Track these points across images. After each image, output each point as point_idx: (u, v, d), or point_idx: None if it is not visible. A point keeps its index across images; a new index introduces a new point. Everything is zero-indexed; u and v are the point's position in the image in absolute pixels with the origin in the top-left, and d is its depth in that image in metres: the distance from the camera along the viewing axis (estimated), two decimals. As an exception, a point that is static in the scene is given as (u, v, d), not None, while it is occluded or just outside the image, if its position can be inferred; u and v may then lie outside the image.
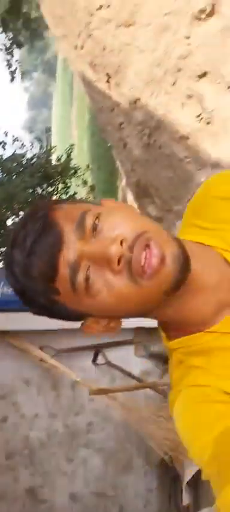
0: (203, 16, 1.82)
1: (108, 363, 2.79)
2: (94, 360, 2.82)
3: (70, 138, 20.22)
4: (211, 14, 1.79)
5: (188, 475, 2.29)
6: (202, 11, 1.82)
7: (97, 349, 2.81)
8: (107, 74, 3.02)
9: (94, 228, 0.64)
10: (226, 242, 0.72)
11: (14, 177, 6.88)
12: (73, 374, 2.62)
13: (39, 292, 0.66)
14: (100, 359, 2.82)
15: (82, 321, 0.72)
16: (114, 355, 2.80)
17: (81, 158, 15.49)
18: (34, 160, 7.22)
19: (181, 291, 0.64)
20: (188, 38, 1.94)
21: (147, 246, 0.61)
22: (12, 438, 2.85)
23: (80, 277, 0.63)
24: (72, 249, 0.63)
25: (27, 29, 10.89)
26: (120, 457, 2.92)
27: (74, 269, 0.63)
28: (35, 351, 2.66)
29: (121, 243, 0.61)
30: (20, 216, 0.73)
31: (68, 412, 2.88)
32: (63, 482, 2.93)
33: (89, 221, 0.64)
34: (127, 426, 2.82)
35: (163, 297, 0.64)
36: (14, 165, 6.96)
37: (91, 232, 0.64)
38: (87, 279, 0.63)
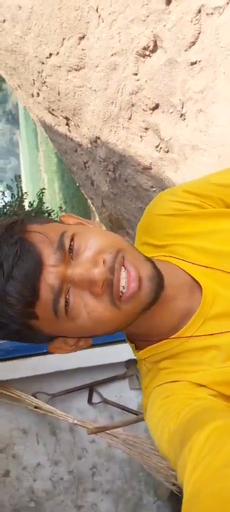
0: (147, 52, 1.90)
1: (104, 401, 2.76)
2: (89, 400, 2.79)
3: (41, 182, 20.33)
4: (154, 49, 1.87)
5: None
6: (145, 48, 1.90)
7: (91, 388, 2.79)
8: (65, 117, 3.08)
9: (71, 250, 0.64)
10: (179, 255, 0.76)
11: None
12: (70, 417, 2.59)
13: (14, 318, 0.63)
14: (95, 398, 2.79)
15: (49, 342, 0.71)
16: (109, 391, 2.78)
17: (54, 201, 15.57)
18: (7, 208, 7.23)
19: None
20: (136, 74, 2.02)
21: (123, 266, 0.63)
22: (17, 492, 2.77)
23: (62, 301, 0.63)
24: (53, 273, 0.62)
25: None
26: (129, 496, 2.86)
27: (57, 294, 0.62)
28: (28, 399, 2.61)
29: (104, 263, 0.62)
30: None
31: (70, 457, 2.82)
32: (75, 530, 2.85)
33: (67, 243, 0.64)
34: (132, 463, 2.78)
35: (137, 316, 0.67)
36: (-13, 216, 6.95)
37: (69, 253, 0.64)
38: (66, 302, 0.63)
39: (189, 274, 0.73)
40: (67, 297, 0.63)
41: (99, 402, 2.78)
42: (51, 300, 0.62)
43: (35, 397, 2.65)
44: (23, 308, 0.62)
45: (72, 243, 0.64)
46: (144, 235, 0.81)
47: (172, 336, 0.72)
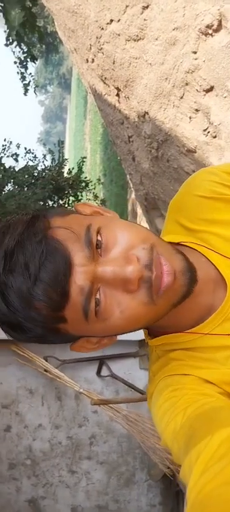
0: (210, 31, 1.83)
1: (112, 375, 2.77)
2: (98, 372, 2.81)
3: (83, 151, 20.43)
4: (217, 29, 1.80)
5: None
6: (209, 26, 1.83)
7: (101, 361, 2.81)
8: (117, 88, 3.04)
9: (99, 245, 0.60)
10: (208, 244, 0.72)
11: (26, 189, 6.95)
12: (76, 385, 2.62)
13: (40, 322, 0.59)
14: (104, 371, 2.81)
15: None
16: (119, 367, 2.79)
17: (93, 171, 15.64)
18: (46, 172, 7.29)
19: None
20: (195, 52, 1.95)
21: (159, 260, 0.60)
22: (15, 448, 2.85)
23: (93, 303, 0.59)
24: (83, 273, 0.58)
25: (42, 43, 11.09)
26: (122, 470, 2.89)
27: (88, 295, 0.58)
28: (39, 361, 2.66)
29: (138, 260, 0.58)
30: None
31: (72, 424, 2.87)
32: (65, 494, 2.91)
33: (94, 237, 0.59)
34: (131, 440, 2.80)
35: (170, 310, 0.64)
36: (26, 177, 7.04)
37: (96, 249, 0.60)
38: (97, 303, 0.59)
39: (216, 268, 0.70)
40: (98, 296, 0.59)
41: (107, 376, 2.80)
42: (82, 303, 0.58)
43: (46, 361, 2.70)
44: (51, 312, 0.58)
45: (98, 237, 0.60)
46: (177, 213, 0.77)
47: (188, 331, 0.70)
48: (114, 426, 2.81)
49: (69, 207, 7.25)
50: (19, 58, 9.83)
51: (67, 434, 2.88)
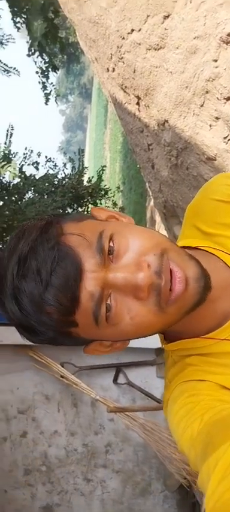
0: (231, 39, 1.82)
1: (129, 383, 2.76)
2: (115, 379, 2.80)
3: (103, 160, 20.57)
4: (239, 37, 1.79)
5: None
6: (229, 34, 1.82)
7: (118, 369, 2.80)
8: (137, 96, 3.06)
9: (110, 251, 0.60)
10: (226, 248, 0.71)
11: (46, 196, 7.03)
12: (93, 392, 2.62)
13: (51, 326, 0.60)
14: (121, 378, 2.80)
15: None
16: (136, 375, 2.78)
17: (113, 180, 15.72)
18: (66, 180, 7.36)
19: None
20: (216, 61, 1.95)
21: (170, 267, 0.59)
22: (31, 454, 2.86)
23: (103, 308, 0.60)
24: (94, 279, 0.59)
25: (63, 53, 11.26)
26: (138, 480, 2.87)
27: (98, 301, 0.59)
28: (56, 367, 2.67)
29: (148, 267, 0.59)
30: (13, 239, 0.63)
31: (87, 431, 2.86)
32: (80, 502, 2.90)
33: (106, 244, 0.60)
34: (147, 448, 2.77)
35: (183, 317, 0.63)
36: (46, 185, 7.12)
37: (108, 255, 0.60)
38: (108, 308, 0.60)
39: None
40: (109, 302, 0.60)
41: (124, 383, 2.79)
42: (92, 308, 0.59)
43: (63, 367, 2.71)
44: (61, 317, 0.59)
45: (111, 244, 0.60)
46: (195, 217, 0.76)
47: (205, 336, 0.69)
48: (130, 435, 2.79)
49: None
50: (41, 68, 10.00)
51: (83, 442, 2.88)
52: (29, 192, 7.15)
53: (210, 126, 2.11)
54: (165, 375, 0.77)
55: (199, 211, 0.76)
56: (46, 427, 2.85)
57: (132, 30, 2.75)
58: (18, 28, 9.23)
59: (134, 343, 2.56)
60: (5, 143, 7.28)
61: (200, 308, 0.66)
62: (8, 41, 9.62)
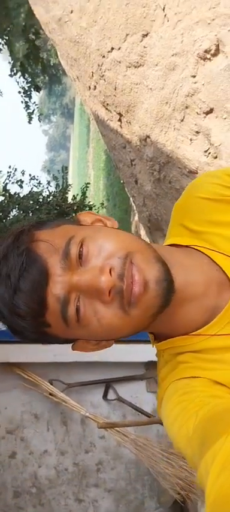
0: (208, 56, 1.88)
1: (119, 399, 2.74)
2: (104, 396, 2.78)
3: (87, 178, 20.69)
4: (215, 54, 1.85)
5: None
6: (207, 51, 1.88)
7: (108, 384, 2.78)
8: (119, 113, 3.11)
9: (80, 256, 0.63)
10: (213, 245, 0.72)
11: (31, 214, 7.02)
12: (82, 409, 2.59)
13: (26, 327, 0.64)
14: (111, 394, 2.78)
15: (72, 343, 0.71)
16: (126, 390, 2.76)
17: (97, 197, 15.80)
18: (50, 198, 7.38)
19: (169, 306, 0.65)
20: (194, 76, 2.00)
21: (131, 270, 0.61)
22: (20, 476, 2.80)
23: (71, 309, 0.62)
24: (59, 282, 0.62)
25: (45, 73, 11.38)
26: (131, 498, 2.83)
27: (64, 303, 0.62)
28: (44, 385, 2.64)
29: (110, 271, 0.61)
30: None
31: (78, 449, 2.82)
32: (72, 523, 2.85)
33: (74, 250, 0.63)
34: (139, 465, 2.74)
35: (151, 319, 0.65)
36: (31, 202, 7.12)
37: (77, 260, 0.63)
38: (77, 310, 0.62)
39: (221, 269, 0.70)
40: (78, 304, 0.62)
41: (114, 399, 2.77)
42: (59, 310, 0.62)
43: (51, 384, 2.67)
44: (33, 319, 0.63)
45: (81, 248, 0.63)
46: (181, 216, 0.78)
47: (195, 333, 0.70)
48: (122, 452, 2.76)
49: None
50: (23, 88, 10.07)
51: (74, 461, 2.83)
52: (14, 210, 7.14)
53: (191, 140, 2.15)
54: (157, 374, 0.77)
55: (185, 209, 0.77)
56: (35, 446, 2.80)
57: (112, 48, 2.80)
58: (0, 49, 9.30)
59: (123, 358, 2.55)
60: (-11, 162, 7.28)
61: (186, 306, 0.67)
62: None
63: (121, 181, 4.02)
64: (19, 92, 10.42)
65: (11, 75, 9.98)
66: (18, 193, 7.39)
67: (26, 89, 9.95)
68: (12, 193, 7.24)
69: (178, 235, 0.76)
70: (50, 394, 2.63)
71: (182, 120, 2.19)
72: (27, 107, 10.17)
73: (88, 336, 0.67)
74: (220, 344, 0.69)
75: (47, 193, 7.59)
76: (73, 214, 7.14)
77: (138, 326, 0.65)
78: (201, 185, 0.77)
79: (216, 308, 0.70)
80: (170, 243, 0.76)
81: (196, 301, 0.68)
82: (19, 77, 9.63)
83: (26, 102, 10.19)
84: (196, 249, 0.72)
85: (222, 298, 0.70)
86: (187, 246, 0.73)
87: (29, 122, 10.46)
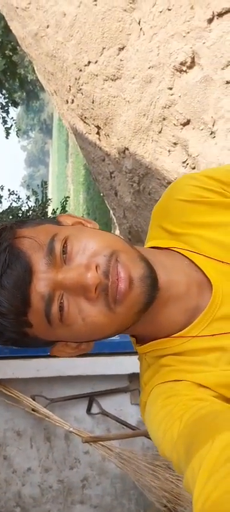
0: (184, 68, 1.91)
1: (103, 412, 2.71)
2: (88, 410, 2.75)
3: (66, 192, 20.69)
4: (191, 66, 1.88)
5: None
6: (182, 63, 1.91)
7: (91, 398, 2.75)
8: (97, 126, 3.12)
9: (64, 253, 0.62)
10: (192, 247, 0.72)
11: (10, 229, 6.95)
12: (66, 424, 2.55)
13: (9, 327, 0.62)
14: (94, 408, 2.75)
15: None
16: (110, 403, 2.73)
17: (77, 211, 15.81)
18: (30, 213, 7.33)
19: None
20: (171, 88, 2.03)
21: (117, 268, 0.61)
22: (4, 495, 2.72)
23: (54, 308, 0.61)
24: (43, 280, 0.60)
25: (23, 89, 11.38)
26: (117, 513, 2.79)
27: (49, 302, 0.61)
28: (27, 400, 2.59)
29: (96, 268, 0.60)
30: None
31: (62, 466, 2.77)
32: None
33: (58, 247, 0.62)
34: (125, 480, 2.71)
35: (136, 317, 0.64)
36: (10, 217, 7.06)
37: (62, 257, 0.62)
38: (61, 307, 0.61)
39: (201, 270, 0.71)
40: (62, 301, 0.61)
41: (98, 413, 2.74)
42: (43, 308, 0.61)
43: (34, 400, 2.62)
44: (15, 317, 0.61)
45: (65, 246, 0.62)
46: (161, 218, 0.78)
47: (176, 335, 0.69)
48: (107, 466, 2.72)
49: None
50: (1, 103, 10.05)
51: (58, 478, 2.77)
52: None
53: (169, 151, 2.18)
54: (140, 377, 0.76)
55: (165, 212, 0.77)
56: (19, 464, 2.72)
57: (89, 62, 2.83)
58: None
59: (106, 371, 2.52)
60: None
61: (166, 307, 0.67)
62: None
63: (101, 194, 4.04)
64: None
65: (-13, 91, 9.98)
66: (-3, 208, 7.33)
67: (4, 104, 9.95)
68: (-10, 208, 7.17)
69: (157, 238, 0.76)
70: (33, 410, 2.58)
71: (160, 132, 2.22)
72: (5, 122, 10.15)
73: (70, 336, 0.65)
74: (201, 345, 0.68)
75: (27, 207, 7.54)
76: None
77: (122, 324, 0.64)
78: (180, 187, 0.77)
79: (196, 309, 0.69)
80: (150, 245, 0.76)
81: (179, 301, 0.68)
82: (-4, 93, 9.64)
83: (4, 118, 10.17)
84: (176, 251, 0.73)
85: (202, 299, 0.70)
86: (167, 248, 0.73)
87: (6, 137, 10.42)
